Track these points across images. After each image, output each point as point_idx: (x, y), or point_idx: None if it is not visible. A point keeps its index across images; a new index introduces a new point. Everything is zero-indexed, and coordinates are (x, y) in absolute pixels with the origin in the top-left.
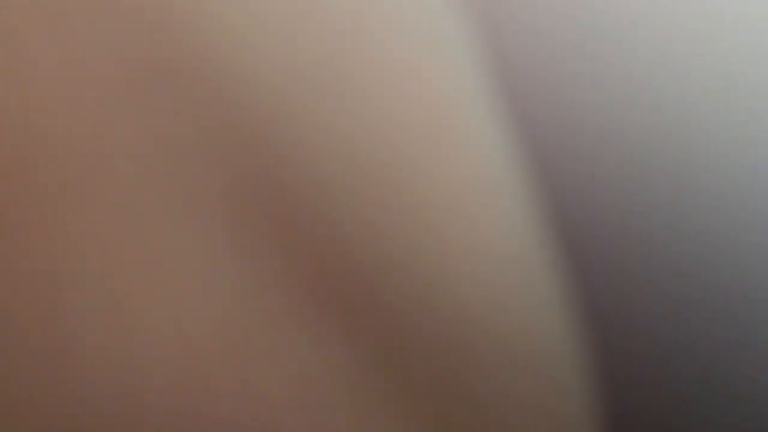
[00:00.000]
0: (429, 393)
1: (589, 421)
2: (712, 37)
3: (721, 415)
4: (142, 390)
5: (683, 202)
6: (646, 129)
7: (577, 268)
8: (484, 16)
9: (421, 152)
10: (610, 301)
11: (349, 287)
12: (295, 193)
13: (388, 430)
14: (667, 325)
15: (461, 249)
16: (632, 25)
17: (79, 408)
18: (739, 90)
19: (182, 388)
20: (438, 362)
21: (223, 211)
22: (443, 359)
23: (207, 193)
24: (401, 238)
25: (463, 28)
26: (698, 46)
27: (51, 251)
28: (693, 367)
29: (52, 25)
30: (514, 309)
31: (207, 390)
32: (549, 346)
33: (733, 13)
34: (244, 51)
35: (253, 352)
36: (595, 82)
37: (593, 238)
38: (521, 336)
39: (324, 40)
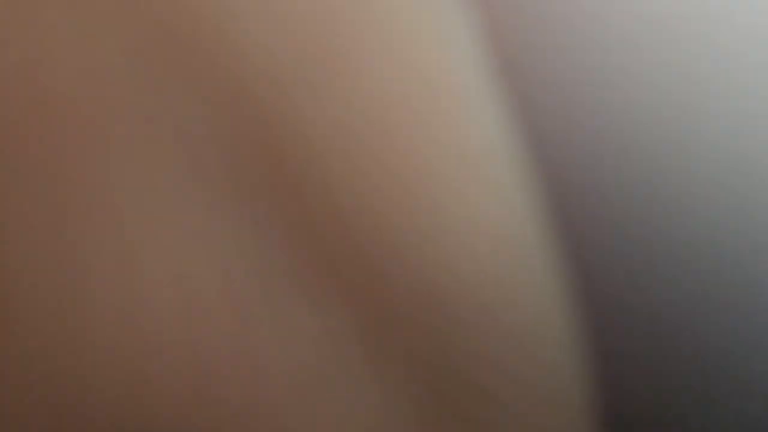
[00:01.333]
0: (421, 362)
1: (582, 402)
2: (716, 37)
3: (718, 399)
4: (148, 346)
5: (682, 190)
6: (647, 121)
7: (573, 251)
8: (485, 8)
9: (422, 138)
10: (605, 284)
11: (348, 259)
12: (296, 172)
13: (380, 396)
14: (663, 309)
15: (459, 226)
16: (635, 19)
17: (87, 365)
18: (743, 90)
19: (185, 349)
20: (430, 333)
21: (230, 187)
22: (436, 330)
23: (214, 170)
24: (401, 215)
25: (465, 20)
26: (702, 46)
27: (68, 235)
28: (689, 353)
29: (72, 15)
30: (508, 286)
31: (209, 347)
32: (542, 324)
33: (740, 14)
34: (251, 44)
35: (254, 315)
36: (597, 72)
37: (589, 222)
38: (514, 312)
39: (328, 33)
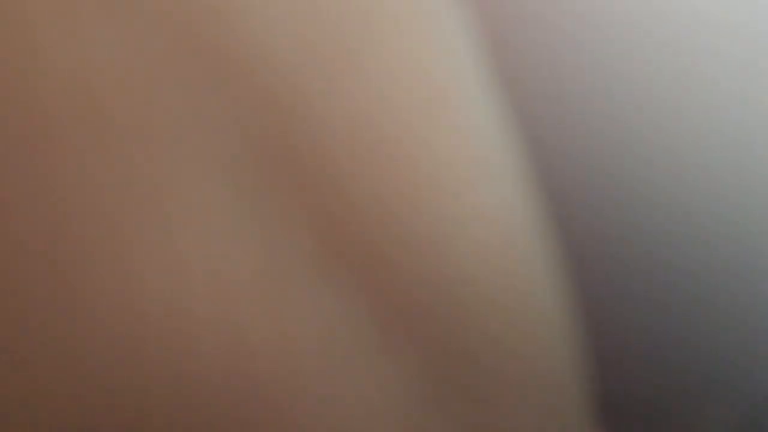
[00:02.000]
0: (431, 345)
1: (580, 384)
2: (710, 39)
3: (710, 392)
4: (190, 327)
5: (676, 184)
6: (643, 121)
7: (572, 245)
8: (485, 9)
9: (431, 135)
10: (602, 276)
11: (360, 248)
12: (309, 163)
13: (389, 374)
14: (658, 300)
15: (465, 220)
16: (631, 23)
17: (135, 341)
18: (737, 92)
19: (222, 329)
20: (439, 319)
21: (256, 184)
22: (443, 316)
23: (237, 156)
24: (410, 209)
25: (467, 25)
26: (696, 49)
27: (117, 234)
28: (681, 345)
29: (109, 25)
30: (510, 275)
31: (243, 329)
32: (540, 311)
33: (732, 17)
34: (269, 35)
35: (283, 300)
36: (593, 74)
37: (587, 217)
38: (513, 298)
39: (337, 28)
